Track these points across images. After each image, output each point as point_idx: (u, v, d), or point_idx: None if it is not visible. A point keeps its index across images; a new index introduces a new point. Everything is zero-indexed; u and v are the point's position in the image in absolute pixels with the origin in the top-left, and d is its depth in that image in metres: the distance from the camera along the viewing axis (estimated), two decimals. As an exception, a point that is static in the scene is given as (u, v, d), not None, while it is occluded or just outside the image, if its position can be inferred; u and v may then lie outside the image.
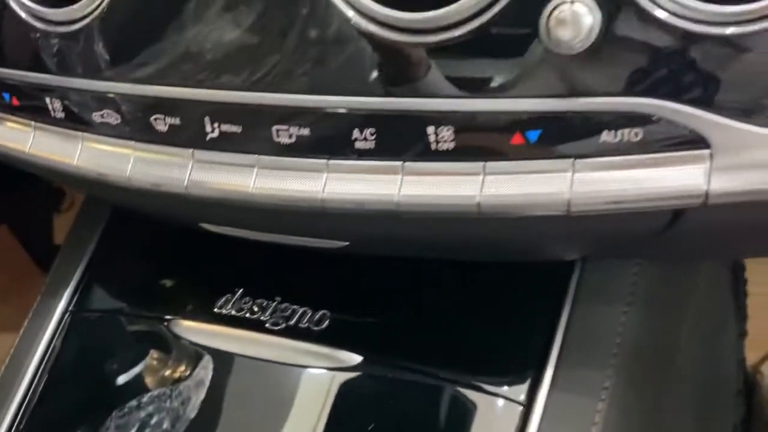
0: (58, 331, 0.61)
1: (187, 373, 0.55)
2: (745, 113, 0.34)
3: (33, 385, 0.60)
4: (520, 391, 0.47)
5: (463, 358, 0.50)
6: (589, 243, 0.48)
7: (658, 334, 0.51)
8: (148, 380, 0.58)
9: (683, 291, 0.55)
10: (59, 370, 0.60)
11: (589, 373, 0.47)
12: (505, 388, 0.48)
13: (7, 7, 0.44)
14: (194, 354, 0.55)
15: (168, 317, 0.56)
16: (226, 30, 0.40)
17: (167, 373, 0.57)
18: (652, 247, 0.47)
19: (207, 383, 0.54)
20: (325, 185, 0.40)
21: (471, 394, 0.48)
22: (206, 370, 0.55)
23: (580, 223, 0.38)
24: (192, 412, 0.54)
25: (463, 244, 0.47)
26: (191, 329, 0.55)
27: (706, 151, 0.35)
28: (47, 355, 0.60)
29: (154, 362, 0.59)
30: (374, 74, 0.38)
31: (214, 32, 0.40)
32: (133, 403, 0.56)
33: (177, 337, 0.56)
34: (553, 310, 0.49)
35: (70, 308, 0.60)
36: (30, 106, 0.48)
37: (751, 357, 0.78)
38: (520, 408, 0.47)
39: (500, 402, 0.47)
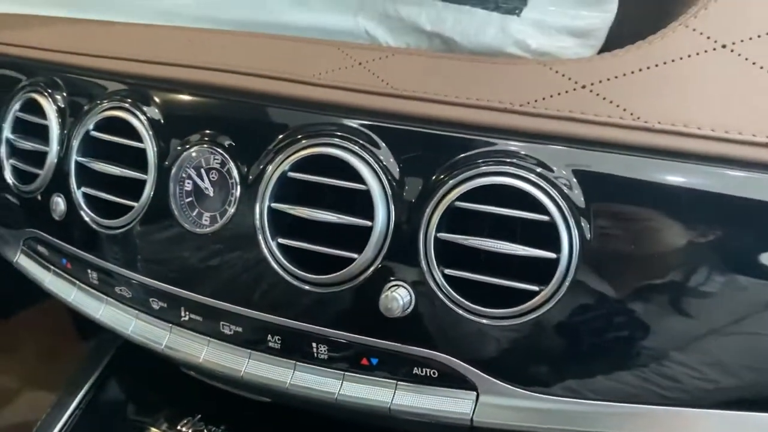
0: (69, 421, 0.81)
1: None
2: (504, 374, 0.53)
3: None
4: None
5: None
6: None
7: None
8: None
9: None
10: None
11: None
12: None
13: (77, 213, 0.68)
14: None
15: (147, 425, 0.76)
16: (204, 258, 0.62)
17: None
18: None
19: None
20: (246, 366, 0.61)
21: None
22: None
23: (403, 419, 0.58)
24: None
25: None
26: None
27: (474, 393, 0.54)
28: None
29: None
30: (281, 302, 0.59)
31: (196, 257, 0.62)
32: None
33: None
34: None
35: (81, 405, 0.81)
36: (77, 271, 0.71)
37: None
38: None
39: None
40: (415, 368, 0.55)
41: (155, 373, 0.81)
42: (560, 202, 0.51)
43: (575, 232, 0.50)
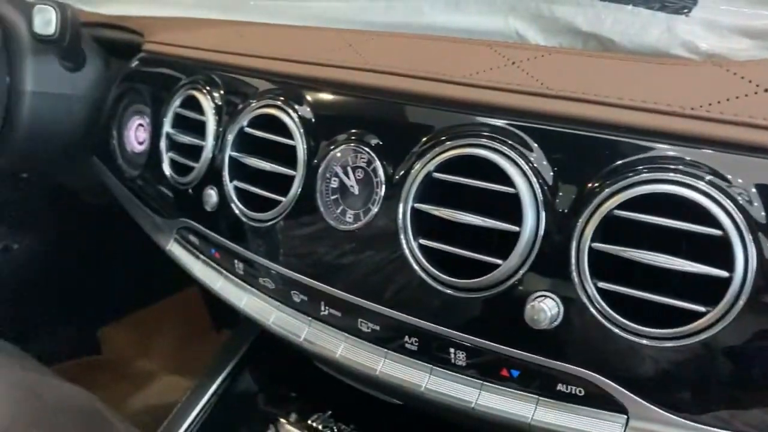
0: (205, 407, 0.85)
1: None
2: (658, 398, 0.49)
3: None
4: None
5: None
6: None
7: None
8: None
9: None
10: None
11: None
12: None
13: (228, 205, 0.71)
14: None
15: (278, 417, 0.78)
16: (346, 255, 0.62)
17: None
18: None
19: None
20: (381, 365, 0.61)
21: None
22: None
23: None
24: None
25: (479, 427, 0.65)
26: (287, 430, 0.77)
27: (624, 416, 0.50)
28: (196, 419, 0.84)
29: None
30: (421, 304, 0.58)
31: (338, 253, 0.63)
32: None
33: (278, 433, 0.78)
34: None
35: (218, 392, 0.85)
36: (224, 261, 0.74)
37: None
38: None
39: None
40: (560, 384, 0.52)
41: (288, 366, 0.83)
42: (736, 216, 0.46)
43: (752, 250, 0.46)
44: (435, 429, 0.70)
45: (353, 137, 0.62)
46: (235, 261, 0.72)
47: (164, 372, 1.74)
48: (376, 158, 0.60)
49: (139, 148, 0.88)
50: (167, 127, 0.79)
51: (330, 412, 0.76)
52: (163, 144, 0.80)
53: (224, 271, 0.74)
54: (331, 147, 0.63)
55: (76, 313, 1.62)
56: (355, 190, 0.62)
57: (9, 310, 1.43)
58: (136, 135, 0.89)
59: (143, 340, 1.77)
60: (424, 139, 0.58)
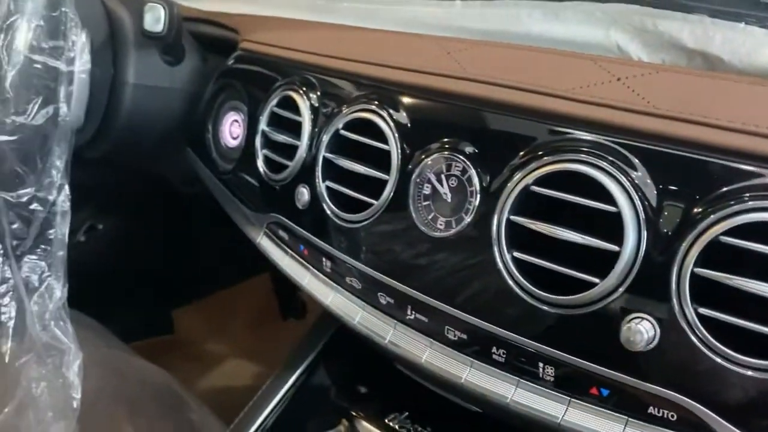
0: (273, 412, 0.87)
1: None
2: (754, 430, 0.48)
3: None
4: None
5: None
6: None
7: None
8: None
9: None
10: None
11: None
12: None
13: (319, 204, 0.73)
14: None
15: (354, 413, 0.80)
16: (435, 263, 0.63)
17: None
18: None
19: None
20: (466, 375, 0.61)
21: None
22: None
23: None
24: None
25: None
26: (365, 428, 0.78)
27: (719, 446, 0.49)
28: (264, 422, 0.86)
29: None
30: (511, 317, 0.58)
31: (428, 260, 0.64)
32: None
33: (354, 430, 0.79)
34: None
35: (296, 384, 0.87)
36: (312, 258, 0.76)
37: None
38: None
39: None
40: (651, 407, 0.52)
41: (366, 363, 0.84)
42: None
43: None
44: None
45: (448, 145, 0.63)
46: (323, 259, 0.74)
47: (233, 356, 1.79)
48: (471, 167, 0.61)
49: (233, 143, 0.91)
50: (263, 125, 0.82)
51: (407, 413, 0.77)
52: (258, 141, 0.83)
53: (312, 268, 0.76)
54: (426, 153, 0.64)
55: (152, 294, 1.68)
56: (448, 197, 0.62)
57: (92, 288, 1.50)
58: (230, 130, 0.92)
59: (213, 324, 1.82)
60: (523, 151, 0.58)
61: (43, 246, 0.76)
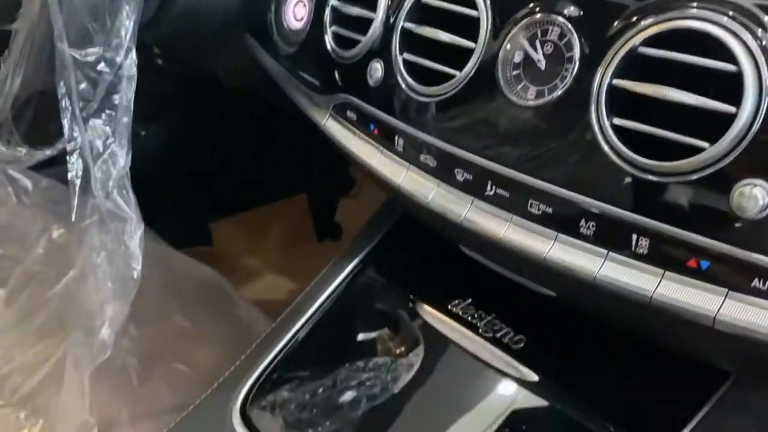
0: (333, 295, 0.85)
1: (406, 352, 0.76)
2: None
3: (303, 325, 0.85)
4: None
5: (615, 407, 0.65)
6: (734, 360, 0.60)
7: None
8: (378, 349, 0.80)
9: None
10: (321, 327, 0.84)
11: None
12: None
13: (395, 79, 0.70)
14: (419, 334, 0.77)
15: (416, 299, 0.79)
16: (523, 132, 0.60)
17: (393, 347, 0.79)
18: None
19: (417, 366, 0.75)
20: (550, 249, 0.59)
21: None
22: (421, 354, 0.76)
23: (724, 338, 0.52)
24: (397, 388, 0.74)
25: (637, 325, 0.62)
26: (427, 312, 0.77)
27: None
28: (317, 311, 0.85)
29: (387, 335, 0.81)
30: (607, 187, 0.55)
31: (514, 130, 0.61)
32: (361, 364, 0.76)
33: (415, 315, 0.78)
34: (706, 393, 0.62)
35: (349, 277, 0.86)
36: (383, 136, 0.74)
37: None
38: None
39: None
40: (756, 279, 0.49)
41: (430, 252, 0.83)
42: None
43: None
44: (586, 323, 0.68)
45: (545, 7, 0.59)
46: (396, 137, 0.72)
47: (269, 272, 1.80)
48: (571, 30, 0.57)
49: (297, 25, 0.87)
50: (333, 0, 0.78)
51: (470, 300, 0.76)
52: (327, 17, 0.79)
53: (382, 148, 0.74)
54: (519, 18, 0.60)
55: (192, 205, 1.68)
56: (542, 65, 0.59)
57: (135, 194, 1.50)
58: (294, 11, 0.88)
59: (250, 241, 1.83)
60: (630, 10, 0.54)
61: (108, 111, 0.74)
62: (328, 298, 0.85)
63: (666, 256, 0.53)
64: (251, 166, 1.72)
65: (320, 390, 0.76)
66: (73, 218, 0.73)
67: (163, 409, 0.94)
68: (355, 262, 0.86)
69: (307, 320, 0.84)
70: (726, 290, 0.51)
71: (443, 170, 0.67)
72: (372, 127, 0.75)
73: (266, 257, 1.86)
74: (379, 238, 0.87)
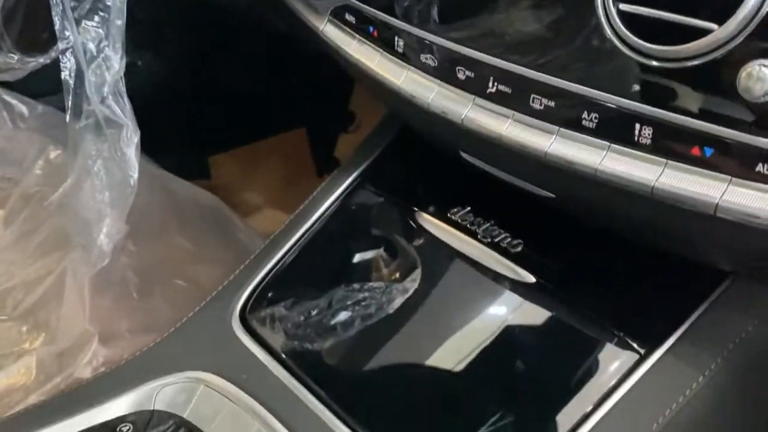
0: (331, 207, 0.85)
1: (405, 265, 0.76)
2: None
3: (296, 244, 0.85)
4: (643, 346, 0.62)
5: (613, 306, 0.65)
6: (734, 256, 0.60)
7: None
8: (374, 270, 0.80)
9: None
10: (320, 237, 0.84)
11: (702, 353, 0.60)
12: (634, 339, 0.63)
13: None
14: (418, 242, 0.77)
15: (415, 209, 0.78)
16: (526, 23, 0.59)
17: (389, 272, 0.78)
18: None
19: (416, 282, 0.75)
20: (551, 144, 0.58)
21: (603, 335, 0.64)
22: (419, 265, 0.76)
23: (723, 230, 0.52)
24: (391, 309, 0.74)
25: (636, 223, 0.62)
26: (427, 221, 0.77)
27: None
28: (315, 223, 0.85)
29: (383, 257, 0.81)
30: (611, 76, 0.54)
31: (517, 21, 0.59)
32: (356, 285, 0.77)
33: (416, 226, 0.78)
34: (704, 293, 0.62)
35: (345, 192, 0.85)
36: (383, 38, 0.72)
37: None
38: (637, 357, 0.61)
39: (622, 350, 0.62)
40: (761, 164, 0.48)
41: (428, 164, 0.82)
42: None
43: None
44: (584, 228, 0.68)
45: None
46: (396, 38, 0.70)
47: (268, 205, 1.80)
48: None
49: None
50: None
51: (469, 208, 0.75)
52: None
53: (382, 50, 0.72)
54: None
55: (189, 137, 1.66)
56: (547, -49, 0.57)
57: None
58: None
59: (249, 173, 1.82)
60: None
61: (101, 13, 0.72)
62: (326, 210, 0.84)
63: (669, 145, 0.52)
64: (250, 98, 1.70)
65: (320, 299, 0.76)
66: (68, 120, 0.72)
67: (163, 322, 0.95)
68: (354, 176, 0.85)
69: (306, 232, 0.84)
70: (729, 177, 0.50)
71: (444, 70, 0.66)
72: (371, 29, 0.73)
73: (265, 191, 1.85)
74: (377, 153, 0.86)
